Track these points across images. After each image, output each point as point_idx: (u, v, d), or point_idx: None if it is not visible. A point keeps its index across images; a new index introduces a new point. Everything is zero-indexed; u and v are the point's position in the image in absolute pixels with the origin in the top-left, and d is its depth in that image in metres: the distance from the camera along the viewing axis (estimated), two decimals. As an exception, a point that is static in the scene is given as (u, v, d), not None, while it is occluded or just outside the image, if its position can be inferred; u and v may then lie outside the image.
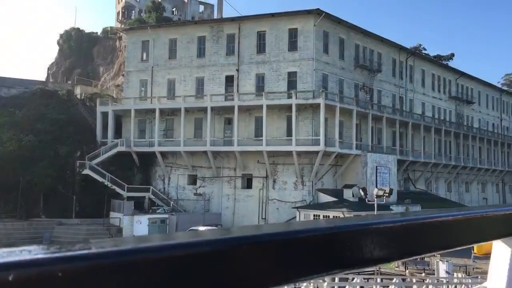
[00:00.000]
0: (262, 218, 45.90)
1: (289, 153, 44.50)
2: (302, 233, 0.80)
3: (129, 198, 46.02)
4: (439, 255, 29.50)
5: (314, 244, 0.79)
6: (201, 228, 39.82)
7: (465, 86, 68.83)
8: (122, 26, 73.61)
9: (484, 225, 1.37)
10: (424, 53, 75.30)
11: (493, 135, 70.80)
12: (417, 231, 1.08)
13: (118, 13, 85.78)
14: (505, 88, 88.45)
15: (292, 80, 47.25)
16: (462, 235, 1.28)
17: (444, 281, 23.06)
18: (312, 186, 45.39)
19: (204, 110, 47.61)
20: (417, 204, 48.74)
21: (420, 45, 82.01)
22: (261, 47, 48.78)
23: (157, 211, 46.19)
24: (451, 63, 77.41)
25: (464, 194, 64.84)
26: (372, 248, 0.90)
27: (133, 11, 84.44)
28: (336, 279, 17.56)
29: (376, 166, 47.33)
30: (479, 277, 23.11)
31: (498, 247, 1.57)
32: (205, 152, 47.38)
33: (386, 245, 0.94)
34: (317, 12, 46.79)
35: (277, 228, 0.83)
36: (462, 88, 68.29)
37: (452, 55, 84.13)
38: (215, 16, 66.82)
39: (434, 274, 27.94)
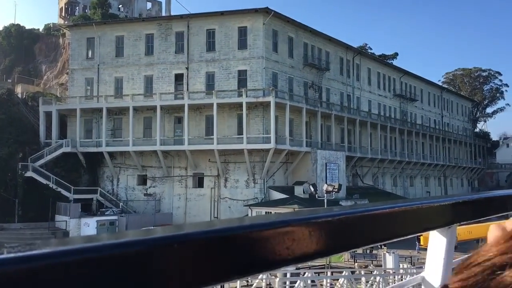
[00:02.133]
0: (214, 217, 45.75)
1: (241, 151, 44.59)
2: (224, 232, 0.75)
3: (76, 201, 44.50)
4: (385, 247, 30.55)
5: (240, 243, 0.75)
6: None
7: (408, 84, 71.54)
8: (66, 22, 70.98)
9: (420, 217, 1.41)
10: (370, 52, 77.58)
11: (435, 131, 74.07)
12: (353, 224, 1.09)
13: (61, 9, 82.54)
14: (445, 86, 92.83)
15: (242, 78, 47.34)
16: (399, 227, 1.32)
17: (391, 271, 23.91)
18: (264, 183, 45.73)
19: (153, 109, 46.80)
20: (364, 199, 50.24)
21: (366, 44, 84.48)
22: (210, 45, 48.53)
23: (106, 213, 44.92)
24: (395, 62, 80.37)
25: (409, 188, 67.47)
26: (307, 243, 0.87)
27: (77, 8, 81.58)
28: (288, 274, 17.78)
29: (326, 163, 48.33)
30: (423, 266, 24.10)
31: (434, 237, 1.69)
32: (155, 152, 46.61)
33: (322, 239, 0.93)
34: (266, 11, 47.11)
35: (198, 227, 0.76)
36: (406, 86, 70.94)
37: (396, 54, 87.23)
38: (163, 13, 65.80)
39: (381, 266, 28.89)
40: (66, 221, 42.46)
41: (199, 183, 47.60)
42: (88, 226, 41.57)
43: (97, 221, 42.26)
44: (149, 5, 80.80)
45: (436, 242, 1.67)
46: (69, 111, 49.75)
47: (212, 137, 44.87)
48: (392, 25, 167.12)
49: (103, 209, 45.79)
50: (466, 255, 0.67)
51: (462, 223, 1.68)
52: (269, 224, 0.85)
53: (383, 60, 74.14)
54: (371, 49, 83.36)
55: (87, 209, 45.14)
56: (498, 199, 1.85)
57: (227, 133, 45.70)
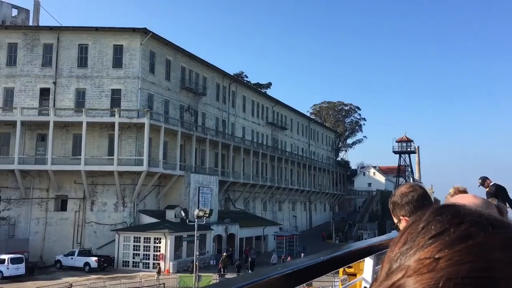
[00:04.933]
0: (77, 243, 42.72)
1: (110, 173, 42.61)
2: None
3: None
4: None
5: None
6: (4, 257, 35.23)
7: (280, 113, 75.44)
8: None
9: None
10: (246, 81, 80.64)
11: (303, 159, 78.84)
12: None
13: None
14: (312, 117, 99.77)
15: (116, 97, 45.63)
16: None
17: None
18: (134, 207, 44.11)
19: (13, 124, 42.73)
20: (236, 223, 51.25)
21: (242, 72, 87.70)
22: (82, 61, 46.14)
23: None
24: (269, 91, 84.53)
25: (277, 213, 70.41)
26: None
27: None
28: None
29: (199, 187, 48.38)
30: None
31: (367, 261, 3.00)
32: (11, 171, 42.38)
33: None
34: (144, 31, 46.40)
35: None
36: (278, 115, 74.71)
37: (270, 84, 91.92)
38: (31, 22, 61.00)
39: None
40: None
41: (62, 206, 44.25)
42: None
43: None
44: (15, 12, 74.51)
45: (368, 264, 2.53)
46: None
47: (79, 157, 42.25)
48: (267, 55, 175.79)
49: None
50: None
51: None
52: None
53: (258, 88, 77.39)
54: (247, 77, 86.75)
55: None
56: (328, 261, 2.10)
57: (96, 154, 43.43)
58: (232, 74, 68.56)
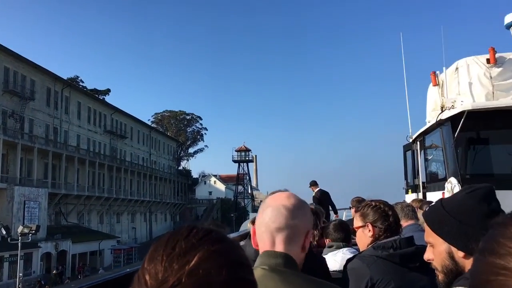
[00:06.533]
0: None
1: None
2: None
3: None
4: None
5: None
6: None
7: (119, 121, 72.48)
8: None
9: None
10: (82, 86, 75.67)
11: (143, 169, 76.86)
12: None
13: None
14: (154, 125, 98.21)
15: None
16: None
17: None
18: None
19: None
20: (68, 239, 47.48)
21: (78, 77, 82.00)
22: None
23: None
24: (107, 98, 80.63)
25: (115, 225, 67.24)
26: None
27: None
28: None
29: (25, 201, 43.60)
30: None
31: None
32: None
33: None
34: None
35: None
36: (117, 123, 71.66)
37: (109, 90, 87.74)
38: None
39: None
40: None
41: None
42: None
43: None
44: None
45: None
46: None
47: None
48: (106, 61, 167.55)
49: None
50: None
51: None
52: None
53: (95, 95, 73.28)
54: (83, 82, 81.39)
55: None
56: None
57: None
58: (66, 78, 63.71)
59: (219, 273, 0.76)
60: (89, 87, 79.85)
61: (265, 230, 1.53)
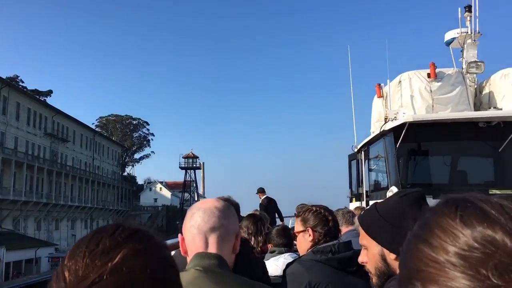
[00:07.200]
0: None
1: None
2: None
3: None
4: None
5: None
6: None
7: (61, 124, 69.75)
8: None
9: None
10: (22, 86, 72.32)
11: (85, 173, 74.23)
12: None
13: None
14: (98, 129, 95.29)
15: None
16: None
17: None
18: None
19: None
20: (1, 246, 44.95)
21: (18, 76, 78.37)
22: None
23: None
24: (49, 100, 77.42)
25: (54, 232, 64.40)
26: None
27: None
28: None
29: (-46, 205, 40.87)
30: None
31: None
32: None
33: None
34: None
35: None
36: (59, 126, 68.90)
37: (51, 91, 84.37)
38: None
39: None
40: None
41: None
42: None
43: None
44: None
45: None
46: None
47: None
48: (48, 60, 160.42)
49: None
50: None
51: None
52: None
53: (36, 96, 70.17)
54: (23, 82, 77.84)
55: None
56: None
57: None
58: (4, 77, 60.61)
59: (142, 272, 0.75)
60: (29, 88, 76.49)
61: (198, 232, 1.55)
